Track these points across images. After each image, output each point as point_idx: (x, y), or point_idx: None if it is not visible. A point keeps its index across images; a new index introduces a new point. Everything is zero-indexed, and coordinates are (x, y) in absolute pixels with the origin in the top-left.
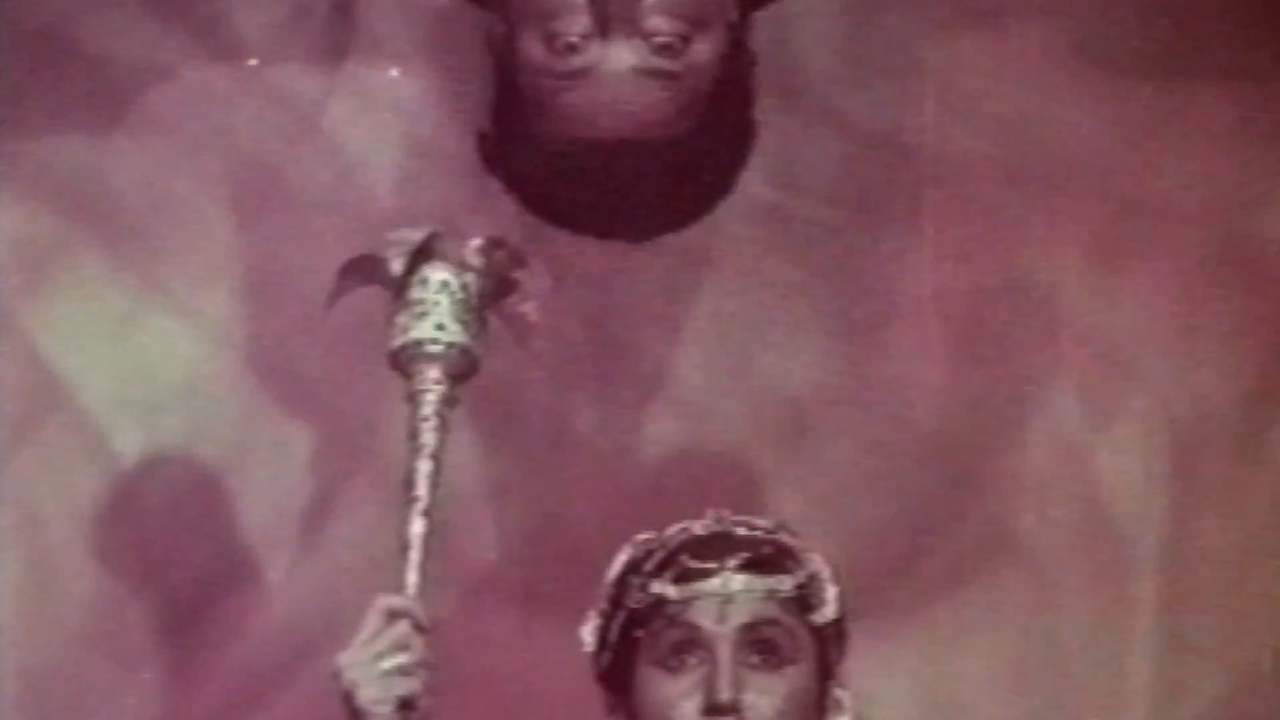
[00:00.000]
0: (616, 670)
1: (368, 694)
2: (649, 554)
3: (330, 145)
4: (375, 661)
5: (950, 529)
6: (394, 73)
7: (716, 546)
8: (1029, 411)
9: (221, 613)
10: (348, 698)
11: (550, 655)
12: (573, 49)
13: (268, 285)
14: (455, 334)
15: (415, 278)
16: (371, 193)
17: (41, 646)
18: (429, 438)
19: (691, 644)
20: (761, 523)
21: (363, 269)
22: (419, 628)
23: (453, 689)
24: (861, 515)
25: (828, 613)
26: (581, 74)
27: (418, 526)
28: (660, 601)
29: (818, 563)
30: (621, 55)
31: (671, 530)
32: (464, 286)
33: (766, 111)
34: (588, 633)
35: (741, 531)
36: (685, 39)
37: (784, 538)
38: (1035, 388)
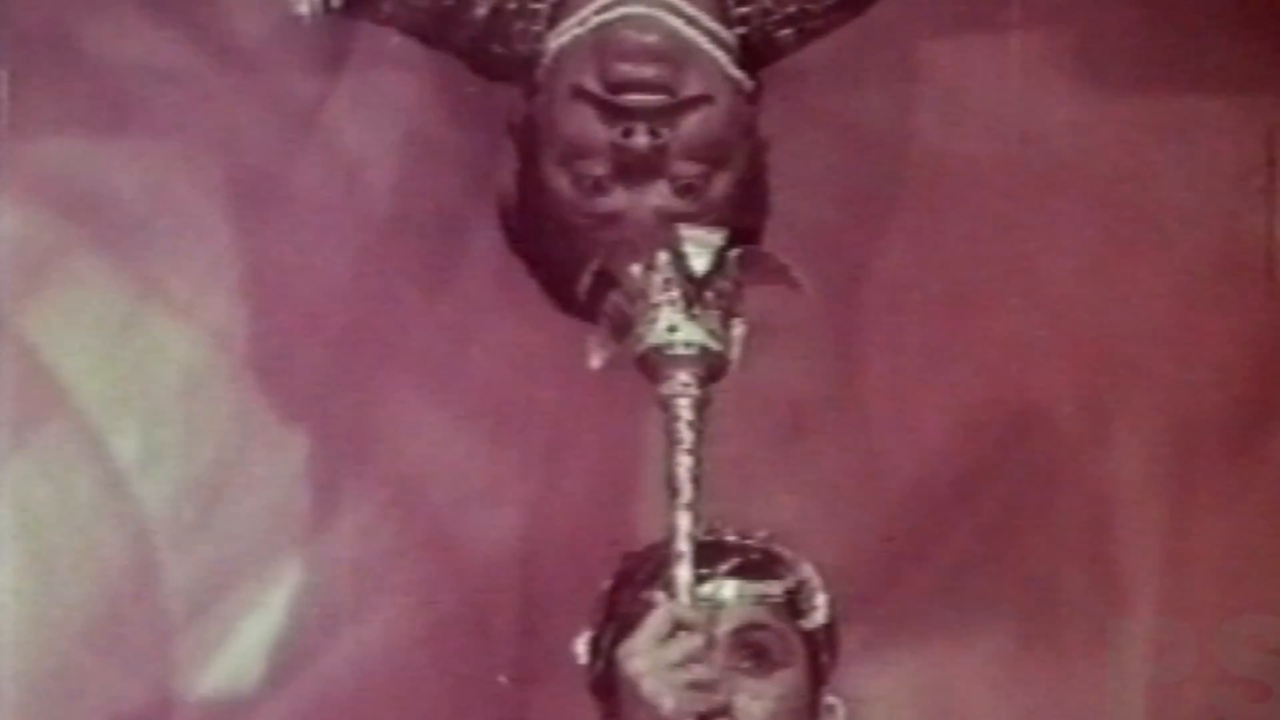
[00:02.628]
0: (610, 680)
1: (671, 705)
2: (640, 565)
3: (330, 147)
4: (673, 671)
5: (948, 531)
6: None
7: (707, 554)
8: (1028, 412)
9: (220, 612)
10: (646, 705)
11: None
12: (598, 188)
13: (267, 287)
14: (720, 340)
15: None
16: (371, 194)
17: (41, 647)
18: (691, 440)
19: None
20: (751, 533)
21: (623, 257)
22: (710, 642)
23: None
24: (860, 517)
25: (818, 618)
26: (607, 219)
27: (687, 528)
28: (652, 608)
29: (807, 570)
30: (645, 199)
31: (662, 542)
32: (726, 293)
33: (767, 112)
34: (581, 644)
35: (731, 539)
36: (707, 177)
37: (773, 546)
38: (1035, 389)
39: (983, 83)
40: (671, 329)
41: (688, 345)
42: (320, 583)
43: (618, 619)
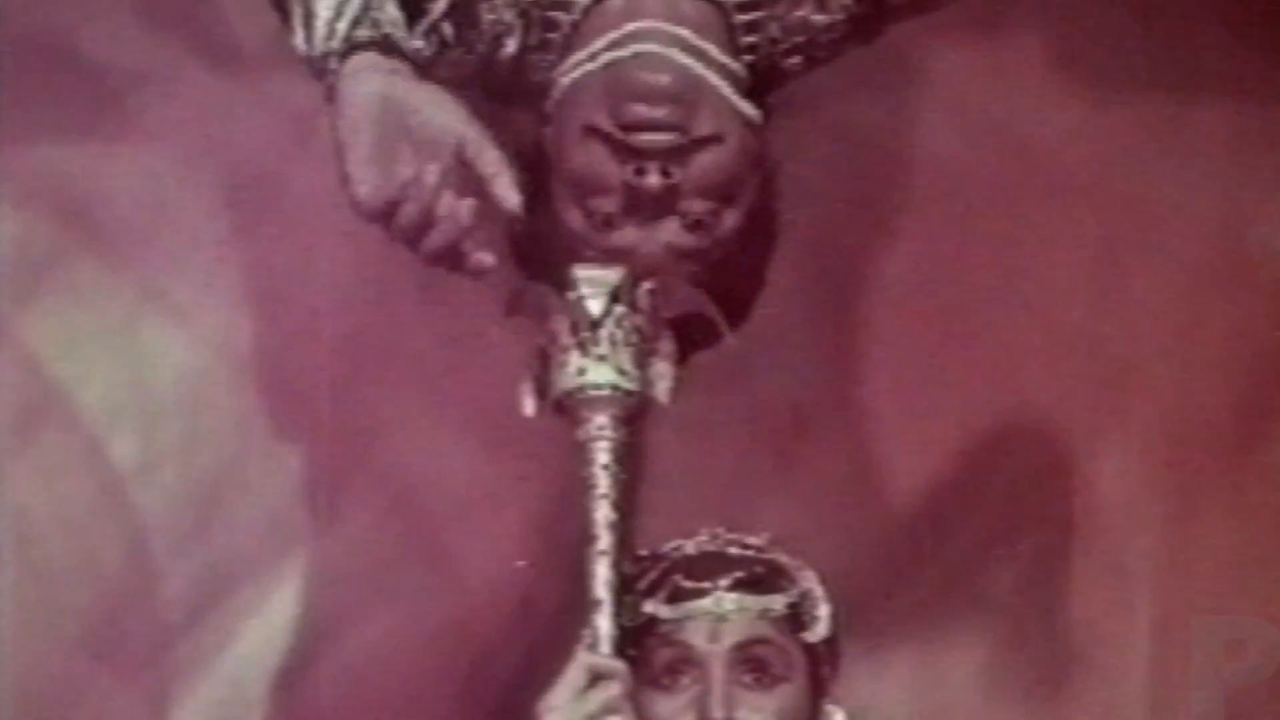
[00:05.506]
0: None
1: None
2: (642, 573)
3: (328, 151)
4: None
5: (946, 535)
6: None
7: (709, 566)
8: (1028, 414)
9: (218, 619)
10: None
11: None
12: (608, 224)
13: (265, 292)
14: (634, 380)
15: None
16: None
17: (39, 655)
18: (608, 486)
19: (684, 663)
20: (754, 541)
21: (530, 299)
22: (626, 691)
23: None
24: (859, 523)
25: (820, 630)
26: (618, 254)
27: (606, 576)
28: (653, 621)
29: (810, 580)
30: (657, 235)
31: (665, 549)
32: (636, 329)
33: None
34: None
35: (734, 550)
36: (717, 214)
37: (777, 556)
38: (1035, 391)
39: (983, 89)
40: (580, 372)
41: (597, 387)
42: (318, 590)
43: (620, 627)
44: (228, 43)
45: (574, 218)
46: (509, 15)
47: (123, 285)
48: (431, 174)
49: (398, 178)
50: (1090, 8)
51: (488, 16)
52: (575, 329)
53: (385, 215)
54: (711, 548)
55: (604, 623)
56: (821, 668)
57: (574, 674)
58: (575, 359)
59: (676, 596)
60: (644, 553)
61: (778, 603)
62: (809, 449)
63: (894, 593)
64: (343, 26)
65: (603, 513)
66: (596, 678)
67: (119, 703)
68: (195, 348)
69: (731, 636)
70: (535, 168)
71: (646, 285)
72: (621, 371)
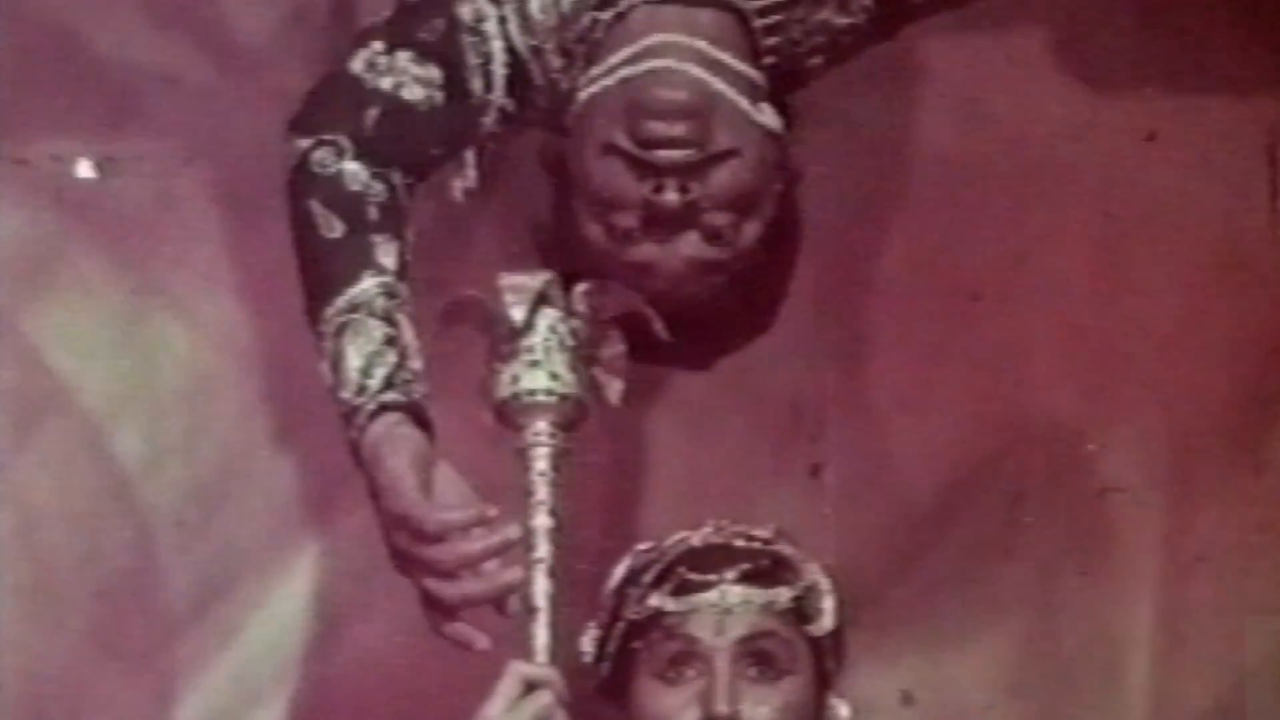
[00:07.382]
0: (615, 681)
1: None
2: (647, 565)
3: None
4: None
5: (950, 528)
6: None
7: (715, 558)
8: (1032, 407)
9: (223, 613)
10: None
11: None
12: (629, 238)
13: (268, 287)
14: (569, 384)
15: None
16: None
17: (43, 648)
18: (545, 493)
19: (689, 656)
20: (760, 533)
21: (464, 312)
22: (560, 699)
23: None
24: (861, 518)
25: (825, 624)
26: (641, 268)
27: (544, 586)
28: (658, 614)
29: (816, 573)
30: (678, 249)
31: (670, 541)
32: (573, 333)
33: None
34: (587, 643)
35: (740, 543)
36: (736, 226)
37: (782, 548)
38: (1038, 384)
39: (984, 82)
40: (514, 379)
41: (530, 394)
42: (323, 583)
43: (624, 621)
44: (231, 39)
45: (595, 232)
46: (556, 61)
47: (126, 280)
48: (499, 536)
49: (463, 513)
50: (1092, 1)
51: (538, 71)
52: (508, 336)
53: (436, 539)
54: (717, 540)
55: (541, 632)
56: (826, 661)
57: (508, 683)
58: (510, 367)
59: (682, 589)
60: (649, 545)
61: (783, 596)
62: (814, 441)
63: (899, 586)
64: (374, 385)
65: (540, 520)
66: (530, 687)
67: (123, 696)
68: (198, 342)
69: (736, 630)
70: (559, 182)
71: (581, 287)
72: (555, 376)
